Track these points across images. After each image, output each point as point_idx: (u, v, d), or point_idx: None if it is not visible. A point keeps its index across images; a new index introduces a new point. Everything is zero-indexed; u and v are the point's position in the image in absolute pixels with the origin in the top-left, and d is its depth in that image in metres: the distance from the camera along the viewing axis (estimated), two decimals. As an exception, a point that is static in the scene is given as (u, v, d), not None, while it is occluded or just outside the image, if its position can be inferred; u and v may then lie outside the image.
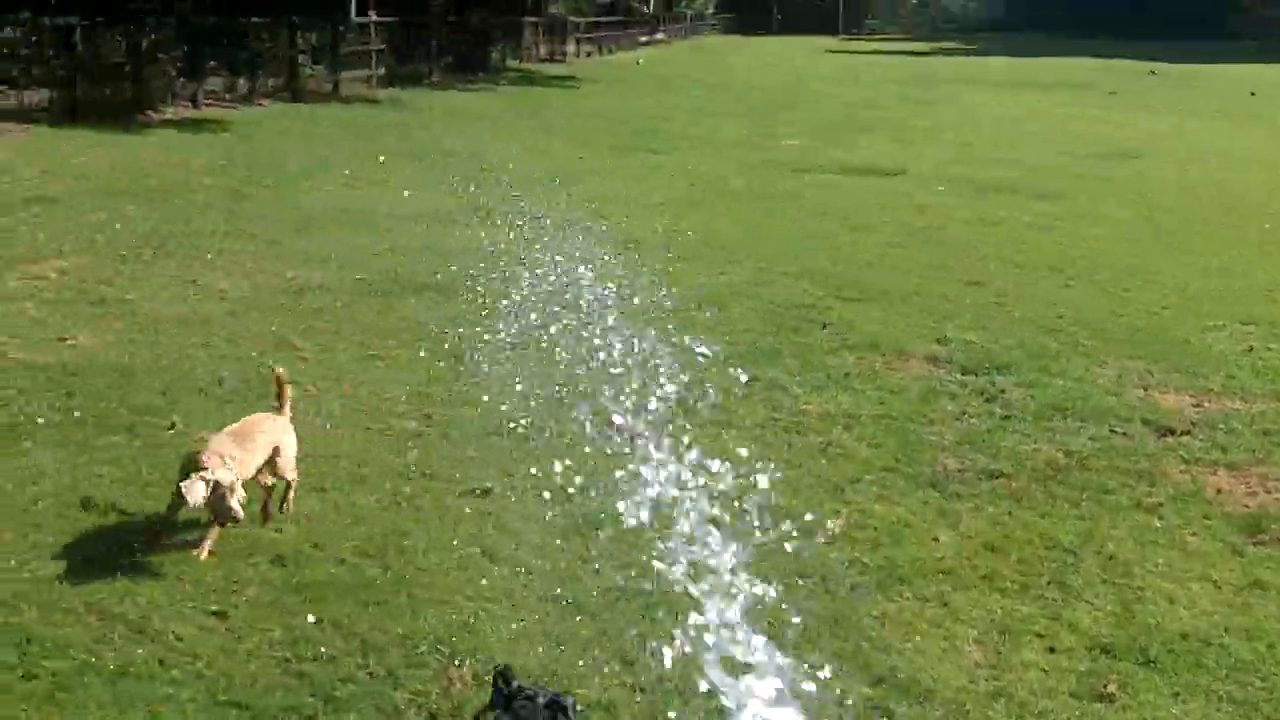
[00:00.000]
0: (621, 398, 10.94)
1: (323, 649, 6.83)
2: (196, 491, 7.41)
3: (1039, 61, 79.54)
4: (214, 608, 7.24)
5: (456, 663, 6.70)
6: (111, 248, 15.85)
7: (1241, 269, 17.26)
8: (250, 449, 7.94)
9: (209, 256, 15.67)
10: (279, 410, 8.49)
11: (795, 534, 8.54)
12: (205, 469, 7.46)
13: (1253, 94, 52.93)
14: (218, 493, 7.46)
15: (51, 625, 6.95)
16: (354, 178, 22.39)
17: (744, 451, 9.93)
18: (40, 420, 9.94)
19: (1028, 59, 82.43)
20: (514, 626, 7.05)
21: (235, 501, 7.51)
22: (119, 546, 7.85)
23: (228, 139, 26.87)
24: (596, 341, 12.69)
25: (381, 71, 42.33)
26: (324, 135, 28.56)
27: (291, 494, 8.41)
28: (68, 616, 7.04)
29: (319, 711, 6.30)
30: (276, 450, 8.17)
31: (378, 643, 6.87)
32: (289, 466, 8.29)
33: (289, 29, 37.07)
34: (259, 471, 8.06)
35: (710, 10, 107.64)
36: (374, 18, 43.50)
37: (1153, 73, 67.85)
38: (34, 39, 28.50)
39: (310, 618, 7.12)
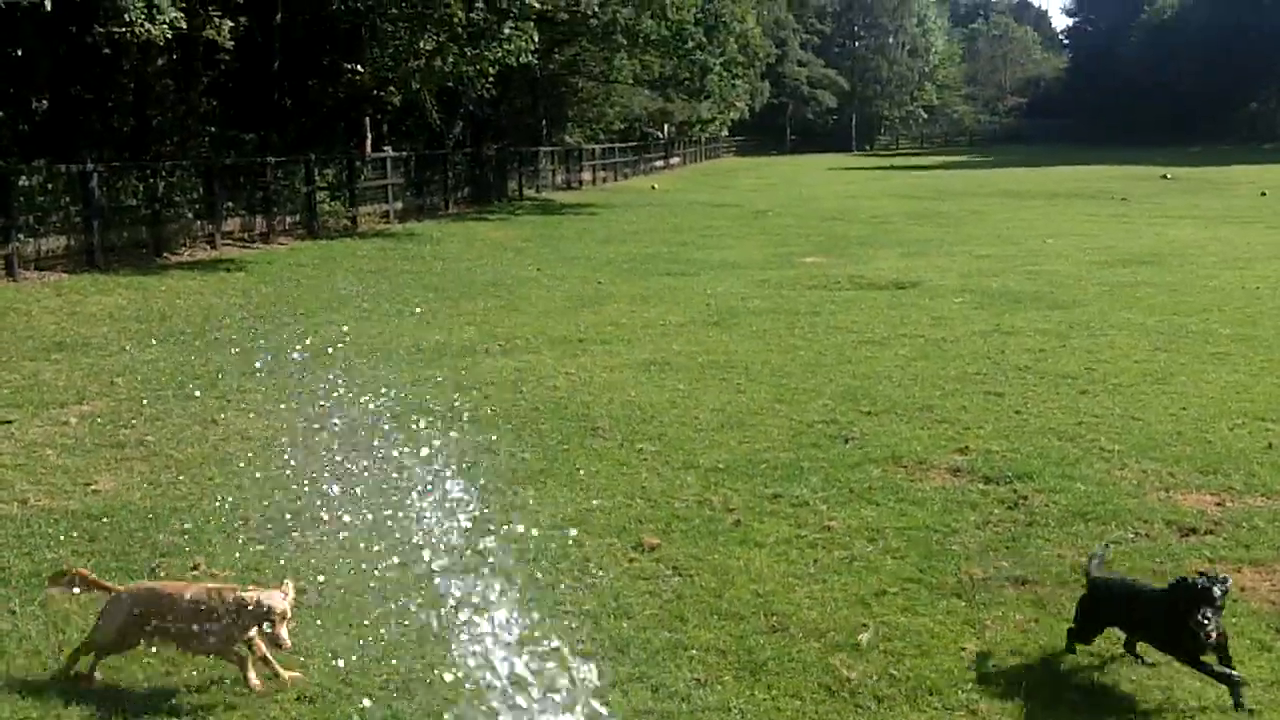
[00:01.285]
0: (644, 521, 10.95)
1: (353, 785, 6.83)
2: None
3: (1051, 171, 79.99)
4: (245, 746, 7.25)
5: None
6: (132, 390, 15.98)
7: (1259, 368, 17.25)
8: None
9: (229, 395, 15.77)
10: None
11: (823, 648, 8.53)
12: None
13: (1263, 194, 53.15)
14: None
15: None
16: (372, 311, 22.54)
17: (768, 569, 9.93)
18: (63, 566, 9.98)
19: (1039, 169, 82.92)
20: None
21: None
22: (144, 691, 7.87)
23: (245, 279, 27.11)
24: (614, 465, 12.72)
25: (399, 205, 42.76)
26: (342, 272, 28.78)
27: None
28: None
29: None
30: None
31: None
32: None
33: (305, 165, 37.45)
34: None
35: (724, 132, 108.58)
36: (390, 152, 43.99)
37: (1165, 177, 68.21)
38: (50, 186, 28.79)
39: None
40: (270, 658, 7.99)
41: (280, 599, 7.78)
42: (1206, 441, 13.50)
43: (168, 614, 7.91)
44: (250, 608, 7.76)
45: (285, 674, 7.98)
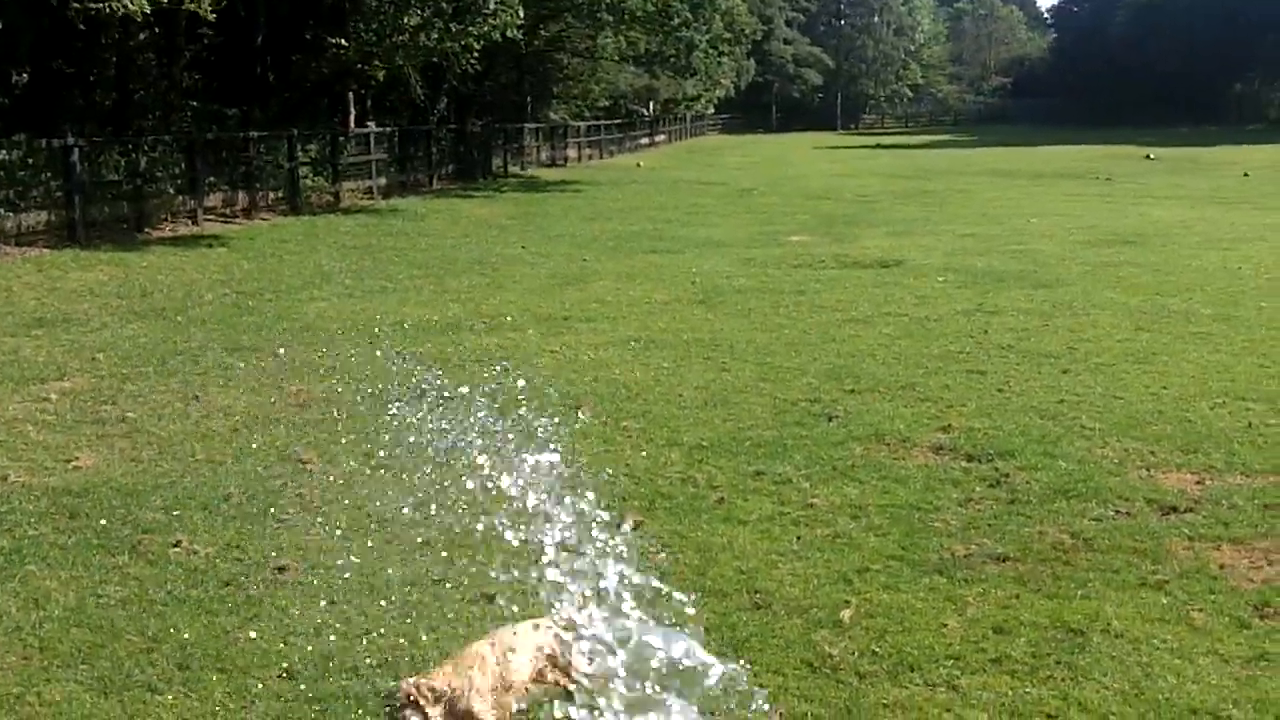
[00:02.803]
0: (628, 497, 10.96)
1: (334, 760, 6.84)
2: None
3: (1036, 151, 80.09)
4: (225, 725, 7.25)
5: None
6: (113, 367, 15.95)
7: (1240, 348, 17.28)
8: None
9: (212, 372, 15.74)
10: None
11: (805, 625, 8.55)
12: None
13: (1246, 175, 53.26)
14: None
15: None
16: (355, 288, 22.51)
17: (751, 546, 9.96)
18: (44, 542, 9.98)
19: (1024, 148, 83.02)
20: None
21: None
22: (125, 667, 7.87)
23: (227, 255, 27.07)
24: (598, 442, 12.73)
25: (382, 181, 42.68)
26: (325, 247, 28.73)
27: None
28: (76, 736, 7.06)
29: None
30: None
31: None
32: None
33: (288, 141, 37.33)
34: None
35: (710, 110, 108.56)
36: (373, 127, 43.89)
37: (1149, 157, 68.32)
38: (30, 160, 28.66)
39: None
40: None
41: None
42: (1187, 420, 13.53)
43: None
44: None
45: None
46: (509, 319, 19.59)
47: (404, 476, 11.01)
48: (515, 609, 8.09)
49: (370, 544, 9.88)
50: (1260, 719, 7.26)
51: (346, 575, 9.34)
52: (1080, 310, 20.24)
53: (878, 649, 8.21)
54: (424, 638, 8.29)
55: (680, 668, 6.04)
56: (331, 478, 11.67)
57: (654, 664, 6.21)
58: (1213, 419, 13.59)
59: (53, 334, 18.02)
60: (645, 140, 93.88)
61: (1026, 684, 7.72)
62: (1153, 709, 7.36)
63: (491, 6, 38.37)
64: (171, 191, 32.70)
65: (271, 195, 36.71)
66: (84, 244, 27.38)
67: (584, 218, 36.88)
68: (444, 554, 9.22)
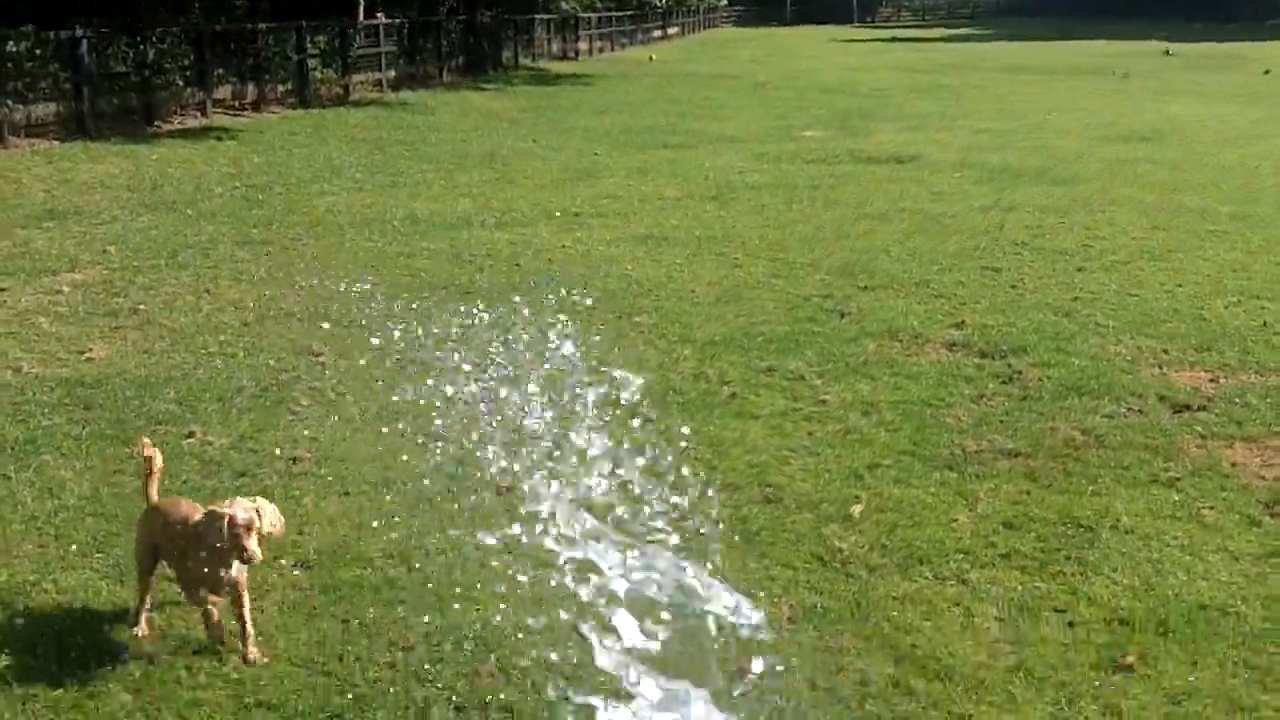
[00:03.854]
0: (640, 393, 10.96)
1: (349, 649, 6.88)
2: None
3: (1054, 45, 79.48)
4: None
5: (483, 658, 6.75)
6: (124, 259, 15.94)
7: (1256, 246, 17.22)
8: None
9: (222, 265, 15.73)
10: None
11: (816, 519, 8.59)
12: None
13: (1267, 72, 52.81)
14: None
15: (76, 634, 7.01)
16: (366, 182, 22.43)
17: (763, 441, 9.98)
18: (58, 433, 10.02)
19: (1042, 43, 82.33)
20: (541, 621, 7.08)
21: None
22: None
23: (237, 148, 26.96)
24: (610, 337, 12.73)
25: (392, 74, 42.39)
26: (334, 141, 28.62)
27: None
28: (92, 624, 7.10)
29: (346, 709, 6.34)
30: None
31: (405, 641, 6.91)
32: None
33: (297, 32, 37.04)
34: None
35: (723, 2, 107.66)
36: (383, 19, 43.52)
37: (1167, 53, 67.76)
38: (38, 52, 28.46)
39: (337, 619, 7.17)
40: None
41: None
42: (1202, 318, 13.51)
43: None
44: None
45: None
46: (520, 214, 19.53)
47: (416, 370, 11.03)
48: (531, 502, 8.14)
49: (383, 436, 9.90)
50: (1270, 615, 7.28)
51: (359, 467, 9.38)
52: (1096, 207, 20.15)
53: (888, 543, 8.24)
54: (437, 530, 8.33)
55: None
56: (344, 371, 11.68)
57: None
58: (1227, 317, 13.56)
59: (64, 226, 17.99)
60: (657, 33, 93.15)
61: (1036, 579, 7.75)
62: (1162, 605, 7.39)
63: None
64: (180, 84, 32.52)
65: (280, 88, 36.46)
66: (93, 136, 27.26)
67: (595, 111, 36.68)
68: (456, 446, 9.25)
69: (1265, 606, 7.38)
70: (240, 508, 6.65)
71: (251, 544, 6.58)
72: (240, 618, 6.90)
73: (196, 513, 6.89)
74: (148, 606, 7.10)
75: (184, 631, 7.04)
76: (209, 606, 6.85)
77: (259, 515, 6.67)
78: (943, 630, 7.11)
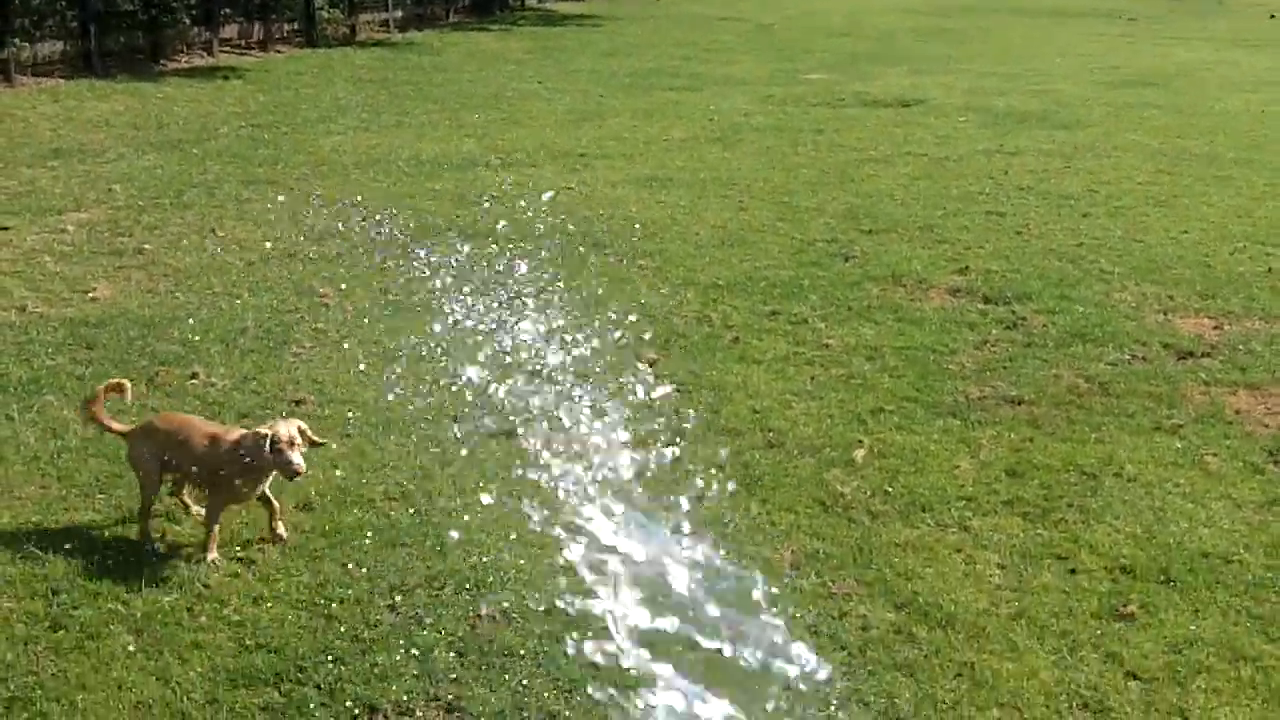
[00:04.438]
0: (644, 337, 10.96)
1: (350, 592, 6.91)
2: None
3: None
4: (240, 554, 7.32)
5: (483, 602, 6.77)
6: (129, 198, 15.89)
7: (1261, 191, 17.16)
8: None
9: (228, 205, 15.69)
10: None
11: (818, 464, 8.60)
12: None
13: (1273, 17, 52.51)
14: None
15: (78, 575, 7.04)
16: (371, 122, 22.36)
17: (765, 386, 9.99)
18: (62, 373, 10.02)
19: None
20: (541, 565, 7.11)
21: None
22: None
23: (243, 87, 26.84)
24: (613, 280, 12.71)
25: (399, 14, 42.13)
26: (340, 81, 28.49)
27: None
28: (94, 566, 7.13)
29: (346, 653, 6.37)
30: None
31: (405, 584, 6.94)
32: None
33: (304, -31, 36.81)
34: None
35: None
36: (390, -41, 43.25)
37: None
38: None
39: (338, 562, 7.19)
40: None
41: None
42: (1206, 265, 13.48)
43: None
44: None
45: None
46: (525, 155, 19.46)
47: (420, 311, 11.02)
48: (532, 445, 8.15)
49: (386, 378, 9.91)
50: (1272, 563, 7.31)
51: (362, 409, 9.39)
52: (1102, 152, 20.07)
53: (890, 489, 8.26)
54: (438, 472, 8.35)
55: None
56: (348, 312, 11.68)
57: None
58: (1232, 263, 13.53)
59: (69, 165, 17.94)
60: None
61: (1038, 526, 7.77)
62: (1164, 552, 7.41)
63: None
64: (187, 22, 32.31)
65: (287, 27, 36.23)
66: (99, 75, 27.11)
67: (601, 53, 36.48)
68: (459, 389, 9.25)
69: (1268, 554, 7.40)
70: (282, 425, 7.16)
71: (296, 457, 7.09)
72: (271, 511, 7.47)
73: (227, 432, 7.40)
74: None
75: (185, 574, 7.07)
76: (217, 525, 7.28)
77: (300, 432, 7.20)
78: (945, 577, 7.14)
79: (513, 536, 7.38)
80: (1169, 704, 6.12)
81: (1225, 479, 8.42)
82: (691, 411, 9.32)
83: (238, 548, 7.37)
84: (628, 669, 6.00)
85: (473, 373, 9.93)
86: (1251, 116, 24.11)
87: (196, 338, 10.88)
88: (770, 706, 5.82)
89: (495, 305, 11.69)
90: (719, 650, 5.97)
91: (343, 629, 6.56)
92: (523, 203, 15.89)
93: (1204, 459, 8.72)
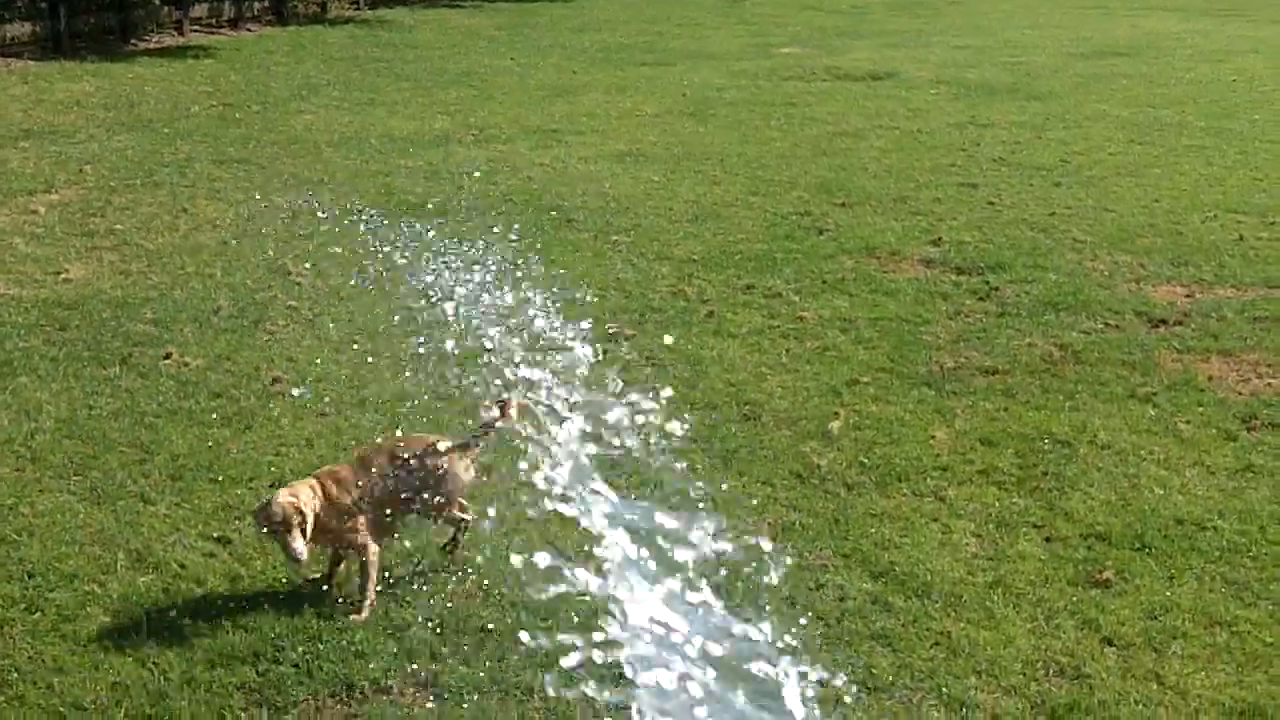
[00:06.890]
0: (618, 311, 10.95)
1: (326, 570, 6.91)
2: None
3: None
4: (216, 534, 7.32)
5: (461, 579, 6.79)
6: (101, 179, 15.81)
7: (1232, 160, 17.20)
8: None
9: (199, 184, 15.63)
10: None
11: (794, 436, 8.61)
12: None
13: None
14: None
15: (54, 558, 7.04)
16: (343, 100, 22.29)
17: (741, 359, 10.00)
18: (35, 355, 9.99)
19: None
20: (518, 542, 7.10)
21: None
22: (118, 477, 7.92)
23: (214, 66, 26.71)
24: (588, 256, 12.71)
25: (371, -10, 41.97)
26: (312, 59, 28.39)
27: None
28: (70, 548, 7.13)
29: (322, 631, 6.38)
30: None
31: (384, 562, 6.93)
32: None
33: (274, -53, 36.65)
34: None
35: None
36: (361, -65, 43.05)
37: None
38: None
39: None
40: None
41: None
42: (1178, 233, 13.52)
43: None
44: None
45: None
46: (498, 131, 19.41)
47: (393, 290, 10.99)
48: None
49: (360, 356, 9.89)
50: (1246, 529, 7.35)
51: (336, 387, 9.37)
52: (1073, 123, 20.09)
53: (866, 460, 8.28)
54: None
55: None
56: (321, 290, 11.65)
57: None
58: (1204, 232, 13.57)
59: (40, 146, 17.84)
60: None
61: (1014, 495, 7.81)
62: (1139, 519, 7.45)
63: None
64: (157, 2, 32.17)
65: (258, 5, 36.04)
66: (69, 55, 26.96)
67: (573, 29, 36.41)
68: (432, 365, 9.23)
69: (1241, 520, 7.45)
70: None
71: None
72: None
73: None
74: None
75: (160, 554, 7.06)
76: None
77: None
78: (921, 547, 7.17)
79: (488, 513, 7.38)
80: (1145, 669, 6.16)
81: (1199, 446, 8.47)
82: (669, 387, 9.32)
83: (215, 529, 7.37)
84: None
85: (446, 348, 9.91)
86: (1222, 85, 24.16)
87: (169, 318, 10.84)
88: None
89: (468, 281, 11.66)
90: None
91: (319, 609, 6.56)
92: (496, 179, 15.87)
93: (1177, 426, 8.76)
